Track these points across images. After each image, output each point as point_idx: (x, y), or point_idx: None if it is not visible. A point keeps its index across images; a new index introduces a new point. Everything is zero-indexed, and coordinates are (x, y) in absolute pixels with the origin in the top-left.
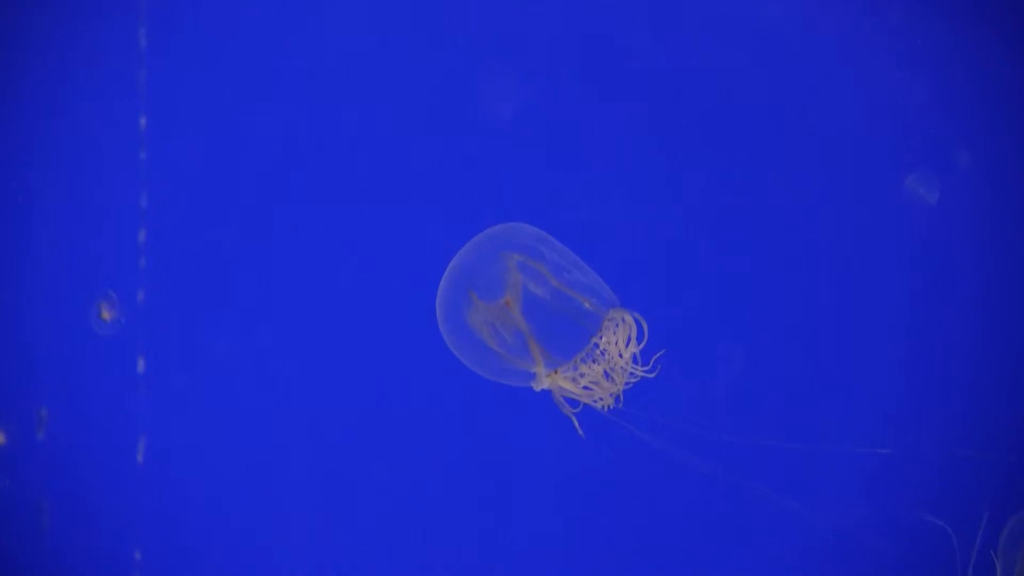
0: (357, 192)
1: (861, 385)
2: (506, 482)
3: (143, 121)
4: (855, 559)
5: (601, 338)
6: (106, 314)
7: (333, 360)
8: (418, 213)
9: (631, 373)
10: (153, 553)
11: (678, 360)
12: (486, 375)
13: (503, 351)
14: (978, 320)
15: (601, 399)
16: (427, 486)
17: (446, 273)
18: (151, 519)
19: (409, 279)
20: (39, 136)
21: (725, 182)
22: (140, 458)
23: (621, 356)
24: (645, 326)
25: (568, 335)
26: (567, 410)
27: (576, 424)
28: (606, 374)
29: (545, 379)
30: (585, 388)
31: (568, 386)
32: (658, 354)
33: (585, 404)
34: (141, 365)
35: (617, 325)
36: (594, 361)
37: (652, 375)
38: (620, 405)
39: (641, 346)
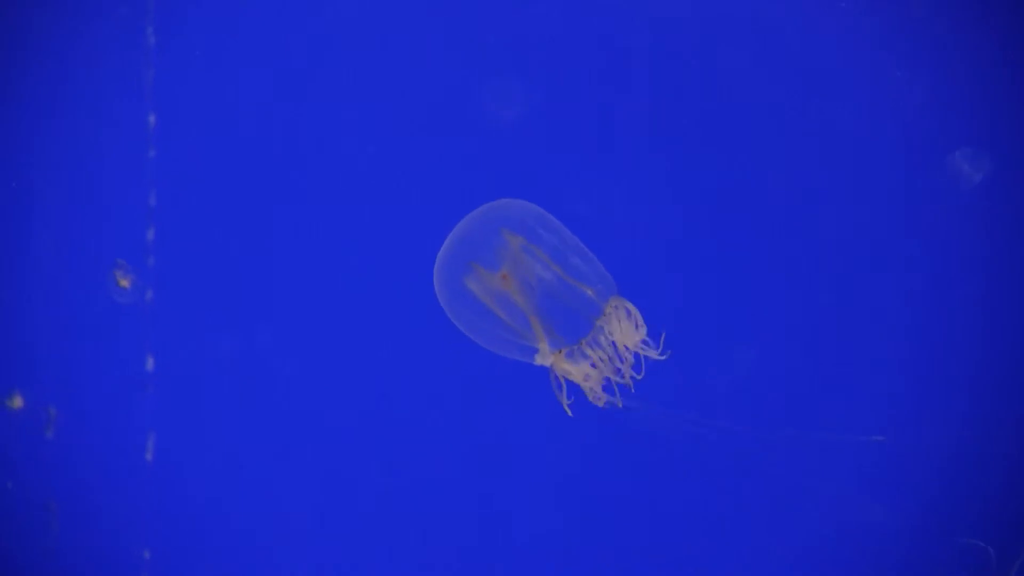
0: (363, 190)
1: (861, 385)
2: (508, 482)
3: (152, 119)
4: (855, 559)
5: (602, 325)
6: (123, 281)
7: (342, 358)
8: (422, 210)
9: (632, 362)
10: (162, 551)
11: (677, 355)
12: (483, 344)
13: (505, 318)
14: (977, 320)
15: (596, 392)
16: (431, 487)
17: (448, 239)
18: (160, 518)
19: (415, 277)
20: (48, 135)
21: (725, 180)
22: (149, 456)
23: (623, 346)
24: (640, 320)
25: (568, 317)
26: (560, 392)
27: (566, 406)
28: (614, 361)
29: (548, 355)
30: (587, 375)
31: (568, 368)
32: (659, 352)
33: (583, 389)
34: (150, 363)
35: (617, 314)
36: (597, 346)
37: (664, 356)
38: (618, 400)
39: (641, 335)
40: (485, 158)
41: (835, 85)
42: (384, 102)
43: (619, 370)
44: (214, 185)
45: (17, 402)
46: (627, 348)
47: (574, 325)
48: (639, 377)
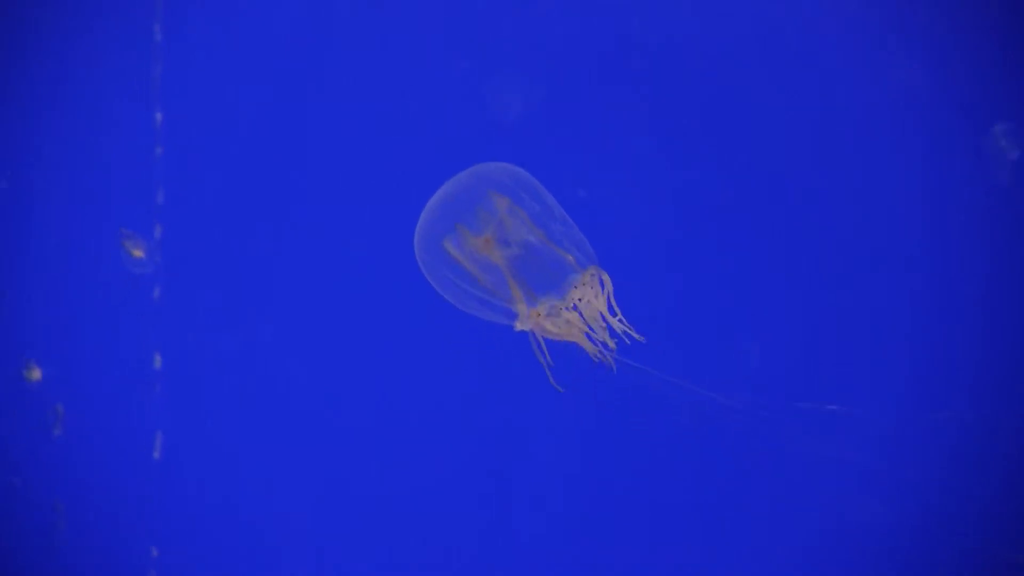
0: (369, 188)
1: (860, 383)
2: (523, 475)
3: (159, 117)
4: (855, 559)
5: (577, 290)
6: (137, 251)
7: (350, 356)
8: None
9: (606, 328)
10: (169, 550)
11: (677, 348)
12: (461, 307)
13: (482, 280)
14: (977, 320)
15: (587, 345)
16: (441, 485)
17: (432, 200)
18: (168, 516)
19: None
20: (55, 134)
21: (725, 179)
22: (157, 455)
23: (597, 313)
24: (611, 290)
25: (547, 281)
26: (543, 358)
27: (550, 376)
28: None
29: (527, 319)
30: (568, 332)
31: (550, 327)
32: (634, 331)
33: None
34: (158, 361)
35: (593, 282)
36: (574, 309)
37: (641, 338)
38: (612, 355)
39: (609, 296)
40: (489, 157)
41: (836, 81)
42: (389, 100)
43: (597, 332)
44: (221, 183)
45: (35, 374)
46: (601, 317)
47: (552, 288)
48: (614, 344)
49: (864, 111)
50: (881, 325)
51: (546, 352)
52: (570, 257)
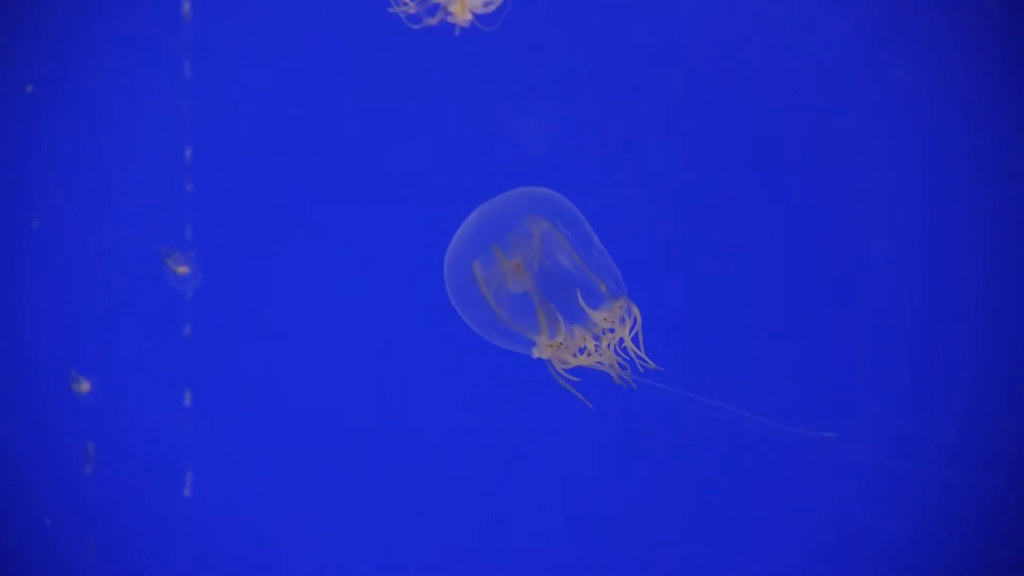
0: (405, 222)
1: (861, 383)
2: (534, 483)
3: (188, 153)
4: (855, 558)
5: (606, 320)
6: (181, 268)
7: (387, 393)
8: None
9: (631, 361)
10: None
11: (680, 354)
12: (479, 331)
13: (498, 312)
14: (977, 320)
15: (612, 368)
16: (471, 506)
17: (464, 225)
18: (198, 554)
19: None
20: (82, 171)
21: (725, 179)
22: (187, 492)
23: (621, 343)
24: (639, 324)
25: (577, 309)
26: (566, 382)
27: (577, 394)
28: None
29: (547, 348)
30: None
31: (569, 359)
32: (655, 365)
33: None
34: (188, 398)
35: (624, 314)
36: (596, 341)
37: (660, 369)
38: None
39: (635, 332)
40: (513, 175)
41: (837, 81)
42: (418, 133)
43: (620, 364)
44: (250, 218)
45: (84, 387)
46: (623, 348)
47: (580, 316)
48: (628, 374)
49: (864, 111)
50: (881, 325)
51: (565, 378)
52: (603, 285)
